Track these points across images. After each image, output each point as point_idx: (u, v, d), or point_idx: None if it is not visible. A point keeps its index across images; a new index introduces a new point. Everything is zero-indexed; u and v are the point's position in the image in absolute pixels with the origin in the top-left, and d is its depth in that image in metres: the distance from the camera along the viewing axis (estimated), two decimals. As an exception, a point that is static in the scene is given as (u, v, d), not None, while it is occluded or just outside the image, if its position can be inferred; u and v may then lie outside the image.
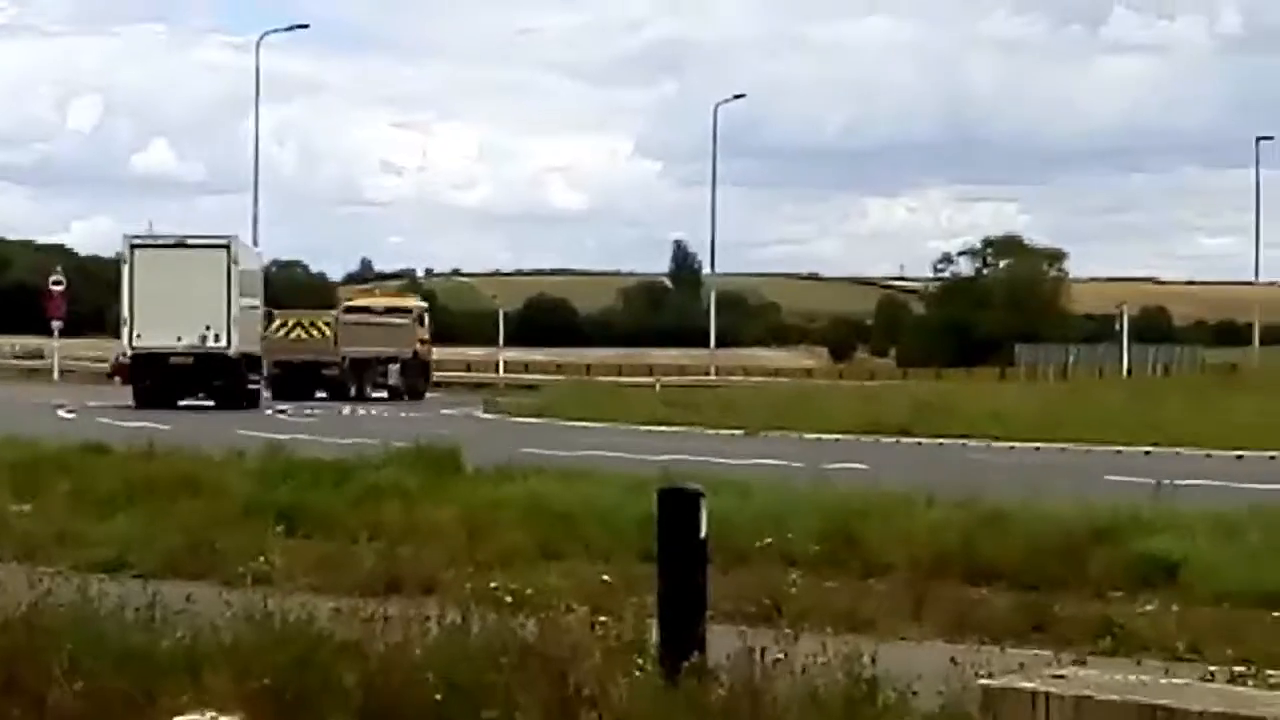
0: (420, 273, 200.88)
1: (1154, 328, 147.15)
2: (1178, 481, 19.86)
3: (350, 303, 79.07)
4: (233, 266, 49.85)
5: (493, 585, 11.01)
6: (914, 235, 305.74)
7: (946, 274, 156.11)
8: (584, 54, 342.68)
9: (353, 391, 62.06)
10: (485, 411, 53.09)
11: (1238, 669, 9.09)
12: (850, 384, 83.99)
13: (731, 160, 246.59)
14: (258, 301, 54.25)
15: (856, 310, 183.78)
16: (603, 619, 9.65)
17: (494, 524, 17.21)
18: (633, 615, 9.96)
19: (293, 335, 61.63)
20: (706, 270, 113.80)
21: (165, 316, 48.89)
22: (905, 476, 21.00)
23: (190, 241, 51.68)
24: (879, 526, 16.67)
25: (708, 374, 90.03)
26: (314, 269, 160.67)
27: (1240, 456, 31.40)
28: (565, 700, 9.00)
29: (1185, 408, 46.37)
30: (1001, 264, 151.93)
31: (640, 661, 9.38)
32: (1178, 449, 32.78)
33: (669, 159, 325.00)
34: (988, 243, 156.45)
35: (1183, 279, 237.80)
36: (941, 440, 35.87)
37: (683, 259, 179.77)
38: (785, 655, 9.12)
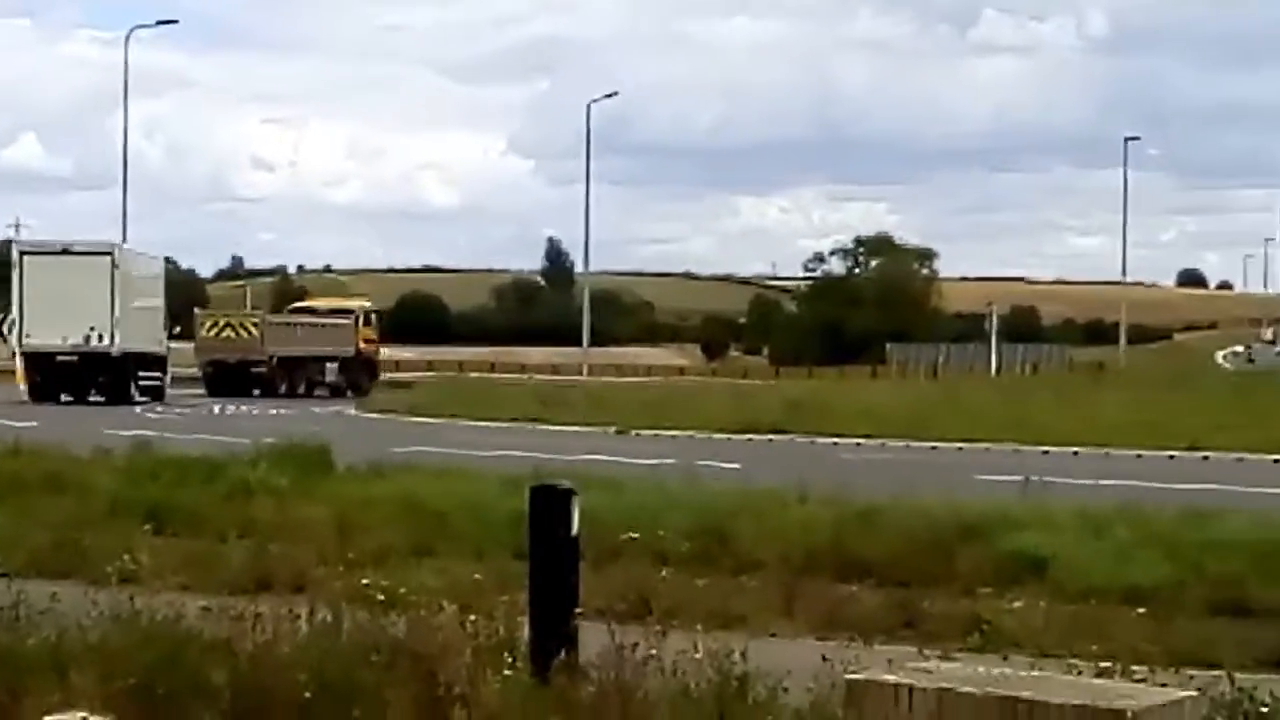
0: (292, 269, 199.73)
1: (1023, 326, 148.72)
2: (1046, 479, 20.06)
3: (296, 304, 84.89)
4: (115, 271, 52.61)
5: (364, 583, 10.96)
6: (786, 234, 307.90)
7: (818, 273, 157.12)
8: (455, 51, 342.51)
9: (283, 389, 64.42)
10: (357, 409, 52.86)
11: (1104, 664, 9.17)
12: (723, 382, 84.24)
13: (605, 158, 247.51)
14: (153, 303, 56.69)
15: (729, 309, 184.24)
16: (474, 617, 9.62)
17: (366, 522, 17.13)
18: (504, 613, 9.95)
19: (222, 335, 65.67)
20: (580, 268, 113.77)
21: (52, 318, 51.92)
22: (777, 474, 21.08)
23: (75, 249, 54.39)
24: (750, 524, 16.73)
25: (581, 372, 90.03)
26: (184, 265, 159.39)
27: (1107, 454, 31.77)
28: (436, 698, 8.97)
29: (1053, 406, 46.82)
30: (873, 263, 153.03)
31: (511, 659, 9.36)
32: (1046, 447, 33.08)
33: (541, 156, 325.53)
34: (859, 242, 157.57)
35: (1051, 278, 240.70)
36: (813, 438, 36.06)
37: (556, 257, 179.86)
38: (656, 652, 9.12)
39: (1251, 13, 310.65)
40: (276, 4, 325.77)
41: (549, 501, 10.64)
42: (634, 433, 38.66)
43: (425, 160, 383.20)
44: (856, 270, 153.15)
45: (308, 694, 9.17)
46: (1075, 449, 32.70)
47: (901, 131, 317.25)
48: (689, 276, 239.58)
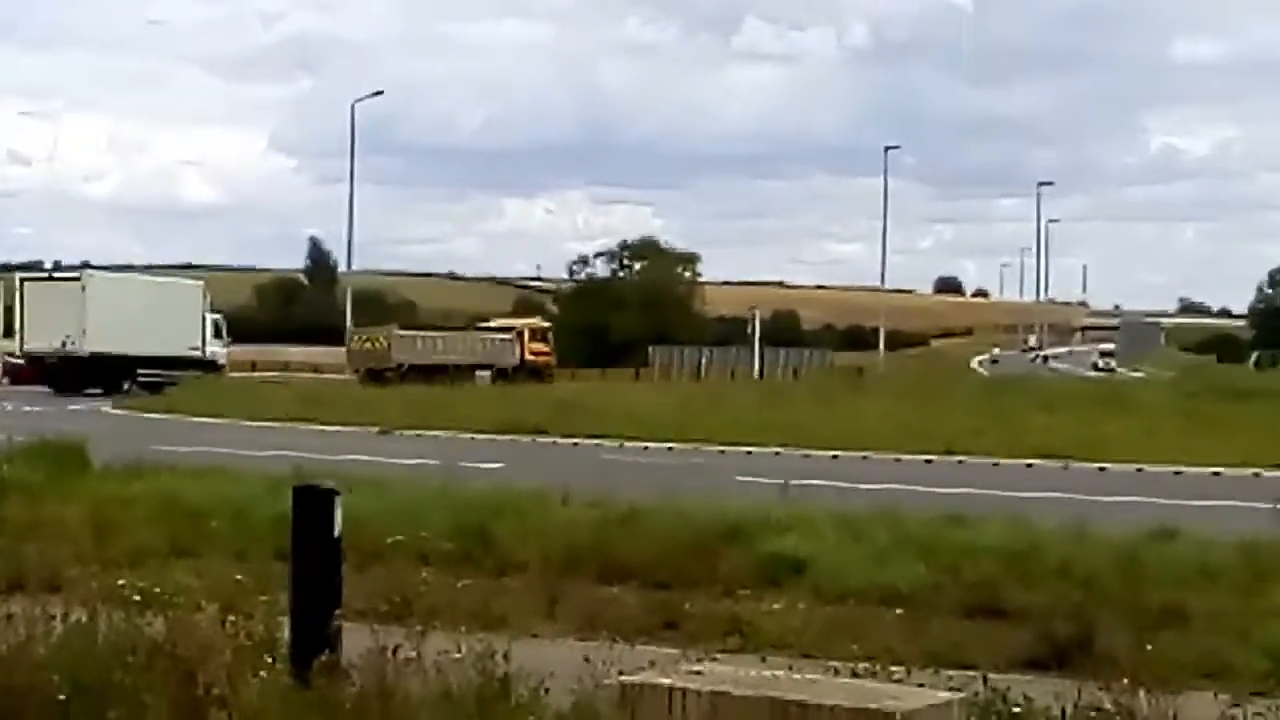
0: (49, 265, 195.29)
1: (784, 331, 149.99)
2: (806, 482, 20.30)
3: (479, 323, 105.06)
4: (84, 293, 67.35)
5: (120, 583, 10.78)
6: (551, 236, 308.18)
7: (583, 275, 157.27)
8: (218, 47, 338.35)
9: None
10: (115, 408, 52.02)
11: (862, 665, 9.29)
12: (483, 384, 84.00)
13: (369, 157, 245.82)
14: (145, 316, 68.56)
15: (494, 310, 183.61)
16: (233, 618, 9.50)
17: (123, 521, 16.87)
18: (264, 614, 9.84)
19: (366, 346, 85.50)
20: (343, 267, 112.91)
21: (40, 328, 67.24)
22: (540, 475, 21.11)
23: (57, 275, 73.28)
24: (513, 525, 16.74)
25: (344, 371, 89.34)
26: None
27: (866, 457, 32.18)
28: (194, 700, 8.85)
29: (814, 410, 47.32)
30: (637, 266, 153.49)
31: (271, 660, 9.26)
32: (806, 450, 33.43)
33: (305, 155, 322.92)
34: (624, 245, 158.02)
35: (812, 284, 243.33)
36: (577, 440, 36.13)
37: (318, 256, 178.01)
38: (417, 653, 9.08)
39: (1007, 27, 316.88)
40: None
41: (311, 502, 10.55)
42: (397, 433, 38.48)
43: (187, 156, 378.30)
44: (621, 273, 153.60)
45: (62, 695, 9.00)
46: (835, 452, 33.07)
47: (666, 136, 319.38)
48: (453, 277, 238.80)
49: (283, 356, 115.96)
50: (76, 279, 69.48)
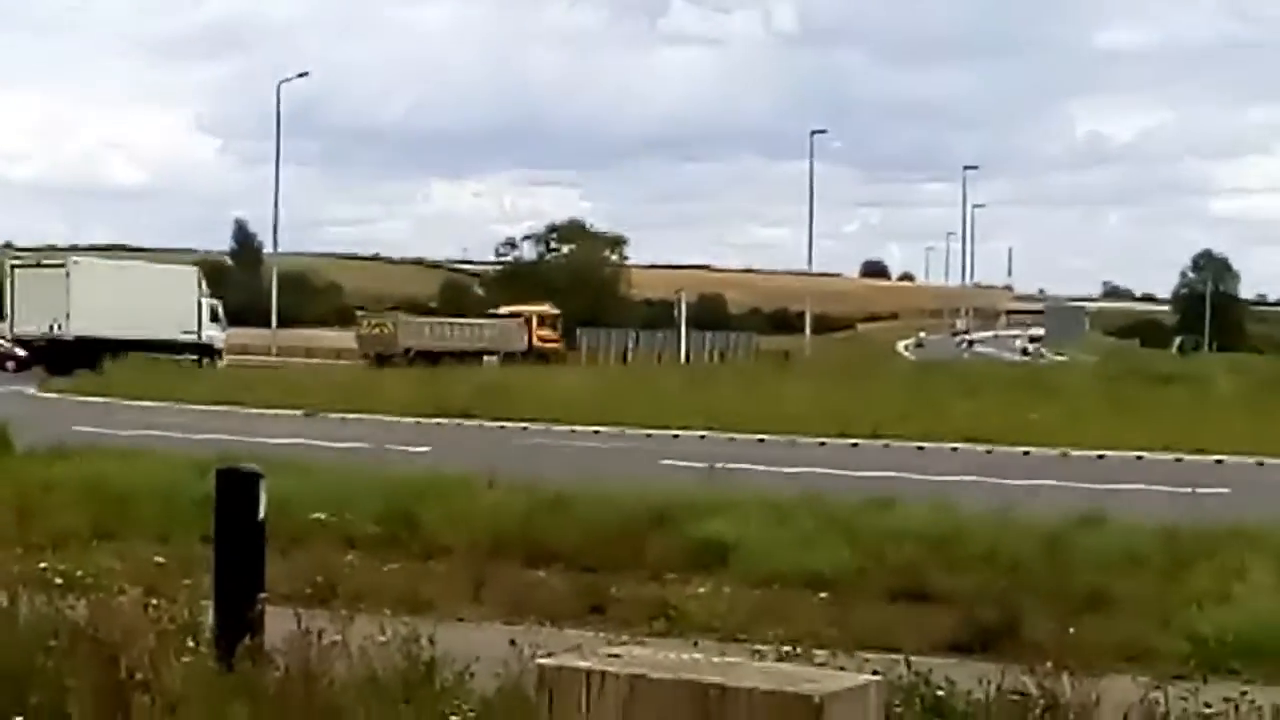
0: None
1: (711, 315, 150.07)
2: (732, 466, 20.33)
3: (490, 310, 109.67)
4: (68, 279, 69.61)
5: (42, 567, 10.73)
6: (478, 219, 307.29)
7: (510, 258, 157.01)
8: (144, 27, 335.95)
9: None
10: (40, 390, 51.67)
11: (786, 648, 9.32)
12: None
13: (296, 139, 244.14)
14: (135, 300, 70.08)
15: (421, 293, 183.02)
16: (157, 601, 9.46)
17: (46, 504, 16.76)
18: (188, 597, 9.80)
19: (374, 331, 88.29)
20: (269, 249, 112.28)
21: (31, 313, 69.20)
22: (467, 459, 21.09)
23: (45, 262, 75.39)
24: (439, 508, 16.72)
25: (269, 354, 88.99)
26: None
27: (792, 442, 32.21)
28: (117, 684, 8.81)
29: (740, 394, 47.39)
30: (564, 249, 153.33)
31: (195, 644, 9.23)
32: (733, 434, 33.47)
33: (231, 136, 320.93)
34: (551, 228, 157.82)
35: (739, 267, 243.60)
36: (503, 423, 36.08)
37: (244, 237, 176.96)
38: (342, 637, 9.07)
39: (932, 10, 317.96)
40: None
41: (235, 484, 10.52)
42: (323, 416, 38.35)
43: (111, 137, 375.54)
44: (548, 256, 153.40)
45: (-17, 680, 8.94)
46: (761, 436, 33.12)
47: (594, 119, 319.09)
48: (379, 259, 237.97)
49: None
50: (61, 265, 72.34)
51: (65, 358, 66.38)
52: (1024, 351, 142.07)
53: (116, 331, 67.86)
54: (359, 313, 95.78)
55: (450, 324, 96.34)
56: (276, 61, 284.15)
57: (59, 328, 68.67)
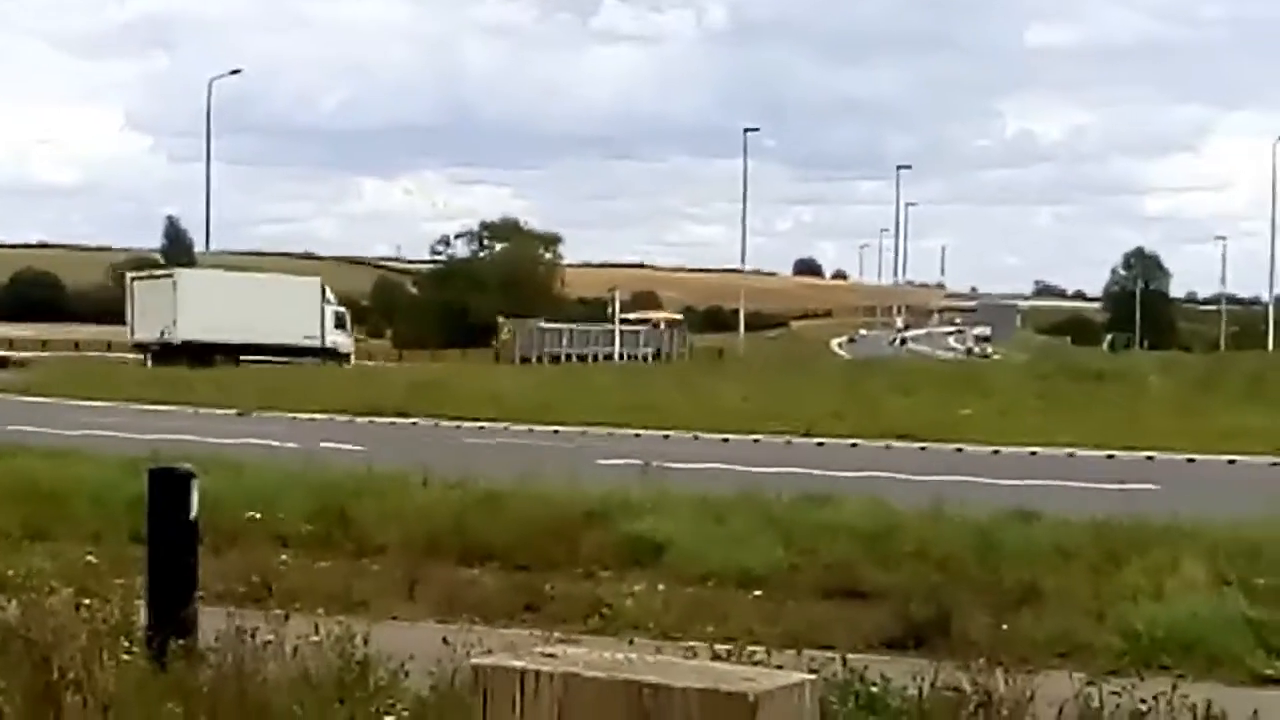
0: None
1: (645, 313, 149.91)
2: (666, 464, 20.33)
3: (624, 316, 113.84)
4: (175, 288, 76.53)
5: (-28, 567, 10.65)
6: (411, 217, 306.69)
7: (444, 256, 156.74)
8: (71, 23, 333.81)
9: None
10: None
11: (720, 646, 9.34)
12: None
13: (227, 136, 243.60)
14: (242, 309, 75.27)
15: (353, 291, 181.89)
16: (89, 601, 9.41)
17: (-26, 504, 16.64)
18: (121, 597, 9.75)
19: (504, 337, 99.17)
20: (200, 247, 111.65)
21: (147, 319, 75.93)
22: (401, 457, 21.03)
23: (156, 274, 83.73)
24: (373, 507, 16.68)
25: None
26: None
27: (726, 439, 32.26)
28: (49, 684, 8.75)
29: (674, 392, 47.41)
30: (498, 247, 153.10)
31: (128, 644, 9.18)
32: (667, 431, 33.49)
33: (161, 133, 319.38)
34: (484, 226, 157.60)
35: (672, 265, 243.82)
36: (437, 421, 36.03)
37: (175, 235, 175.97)
38: (276, 636, 9.04)
39: (865, 10, 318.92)
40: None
41: (168, 484, 10.47)
42: (256, 414, 38.20)
43: (40, 135, 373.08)
44: (482, 254, 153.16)
45: (-87, 682, 8.87)
46: (695, 434, 33.16)
47: (526, 117, 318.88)
48: (311, 257, 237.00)
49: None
50: (170, 276, 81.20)
51: (175, 361, 69.76)
52: (969, 352, 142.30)
53: (227, 336, 73.88)
54: (500, 319, 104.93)
55: (586, 330, 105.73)
56: (208, 58, 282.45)
57: (168, 333, 74.82)
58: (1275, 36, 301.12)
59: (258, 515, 14.68)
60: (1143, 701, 8.72)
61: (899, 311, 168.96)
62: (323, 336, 79.82)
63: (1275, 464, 26.58)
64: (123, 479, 16.93)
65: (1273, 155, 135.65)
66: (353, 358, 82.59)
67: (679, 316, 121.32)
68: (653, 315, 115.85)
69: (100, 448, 22.16)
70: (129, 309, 79.47)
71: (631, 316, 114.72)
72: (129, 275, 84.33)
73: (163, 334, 74.92)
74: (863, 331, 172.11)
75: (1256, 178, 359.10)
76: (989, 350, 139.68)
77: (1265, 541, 14.93)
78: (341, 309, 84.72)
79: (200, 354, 70.58)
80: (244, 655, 8.99)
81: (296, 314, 78.89)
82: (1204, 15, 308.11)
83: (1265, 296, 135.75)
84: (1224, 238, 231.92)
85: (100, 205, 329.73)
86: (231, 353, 72.33)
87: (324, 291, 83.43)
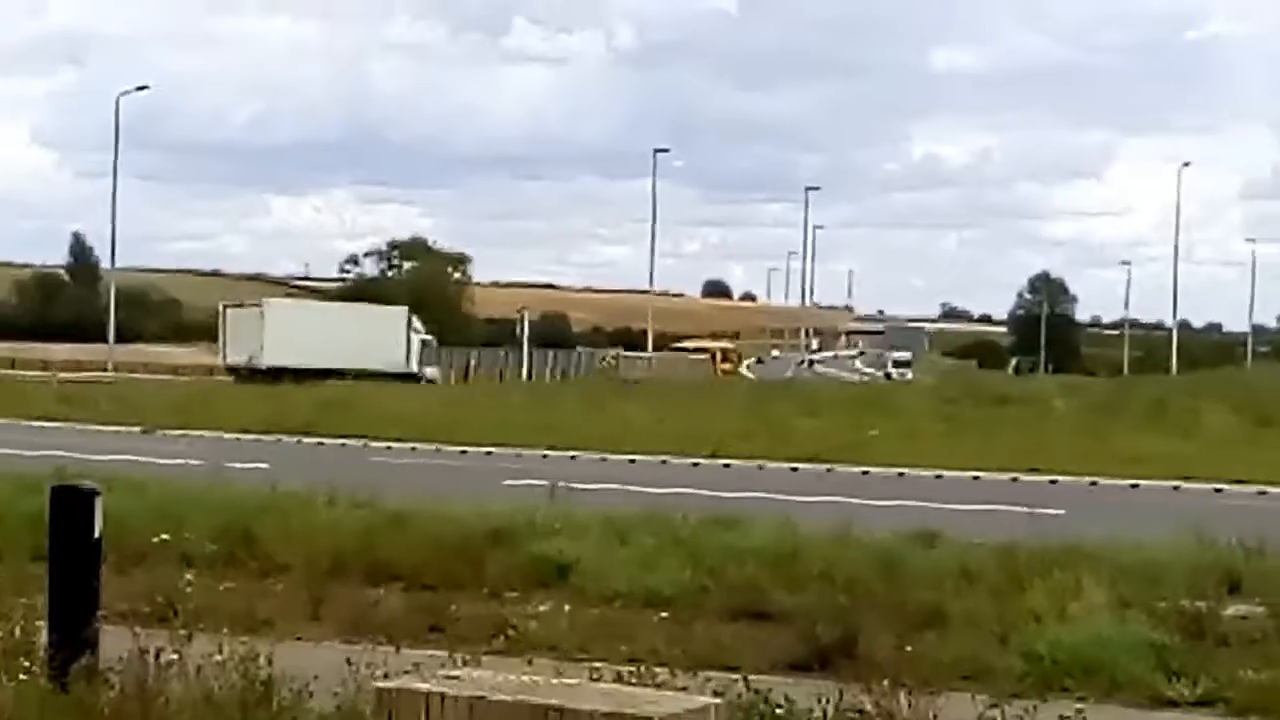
0: None
1: (554, 333, 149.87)
2: (574, 485, 20.31)
3: (675, 344, 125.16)
4: (263, 318, 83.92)
5: None
6: (319, 235, 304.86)
7: (352, 274, 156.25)
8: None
9: None
10: None
11: (626, 668, 9.34)
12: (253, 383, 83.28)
13: (134, 153, 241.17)
14: (306, 335, 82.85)
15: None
16: (-12, 621, 9.33)
17: None
18: (21, 616, 9.67)
19: (604, 366, 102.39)
20: (106, 264, 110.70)
21: (238, 345, 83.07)
22: (306, 476, 20.92)
23: (245, 304, 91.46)
24: (278, 526, 16.58)
25: (106, 369, 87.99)
26: None
27: (634, 460, 32.26)
28: (-53, 705, 8.67)
29: (583, 412, 47.39)
30: (406, 266, 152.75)
31: (28, 664, 9.10)
32: (575, 452, 33.46)
33: (67, 149, 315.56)
34: (393, 245, 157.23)
35: (581, 285, 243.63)
36: (344, 440, 35.89)
37: (81, 251, 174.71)
38: (180, 656, 8.98)
39: (773, 33, 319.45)
40: None
41: (70, 502, 10.37)
42: (161, 432, 37.95)
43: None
44: (390, 273, 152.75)
45: None
46: (603, 455, 33.13)
47: (435, 136, 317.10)
48: (219, 275, 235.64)
49: (43, 354, 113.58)
50: (258, 305, 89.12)
51: (262, 381, 74.02)
52: (887, 376, 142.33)
53: (311, 362, 78.95)
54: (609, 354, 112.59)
55: (653, 357, 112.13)
56: (116, 74, 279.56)
57: (256, 358, 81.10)
58: (1177, 62, 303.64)
59: (165, 539, 14.56)
60: (1045, 724, 8.77)
61: (810, 334, 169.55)
62: (408, 362, 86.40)
63: (1177, 488, 26.79)
64: (22, 496, 16.77)
65: (1176, 181, 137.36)
66: (438, 382, 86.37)
67: (733, 346, 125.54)
68: (710, 346, 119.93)
69: None
70: (220, 334, 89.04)
71: (688, 345, 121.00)
72: (221, 303, 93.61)
73: (250, 359, 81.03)
74: (775, 353, 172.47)
75: (1160, 203, 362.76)
76: (909, 375, 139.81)
77: (1166, 565, 15.07)
78: (429, 337, 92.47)
79: (284, 379, 73.14)
80: (147, 675, 8.93)
81: (381, 341, 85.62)
82: (1108, 41, 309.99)
83: (1168, 321, 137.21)
84: (1128, 263, 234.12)
85: (3, 221, 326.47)
86: (316, 378, 74.43)
87: (409, 320, 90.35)
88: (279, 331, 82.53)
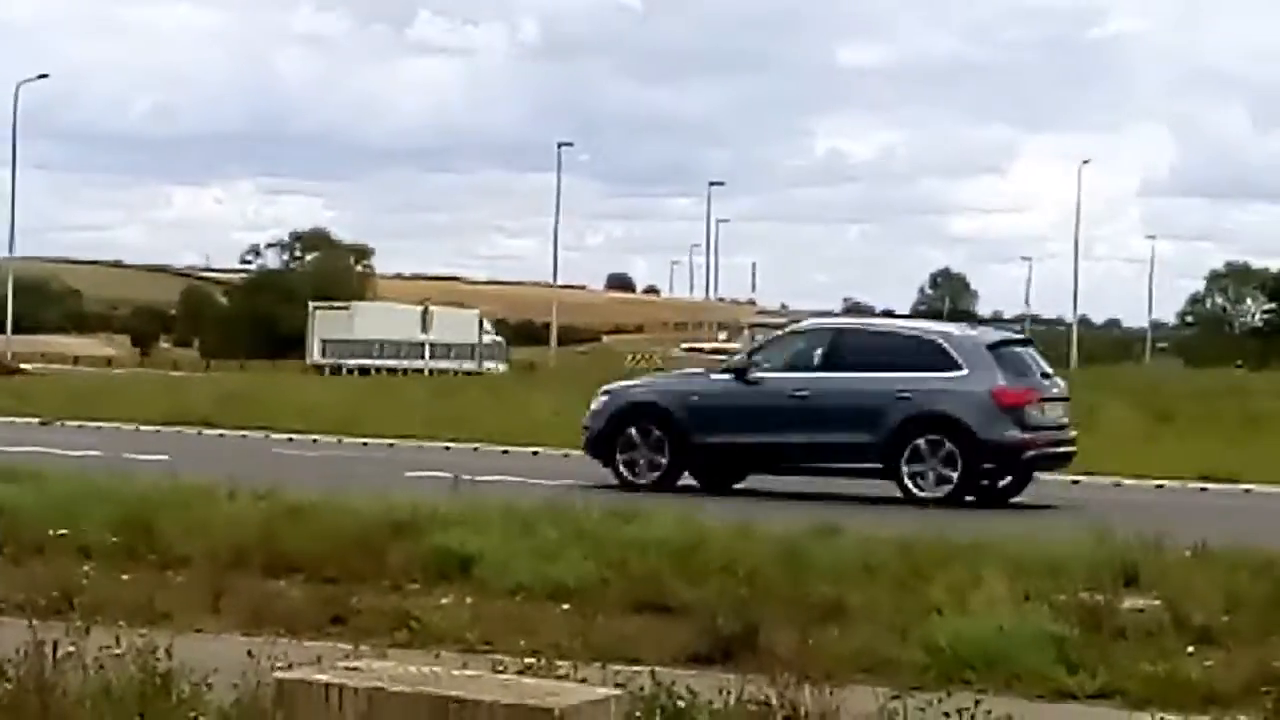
0: None
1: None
2: (476, 477, 20.28)
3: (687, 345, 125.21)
4: (350, 319, 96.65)
5: None
6: (220, 226, 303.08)
7: (254, 266, 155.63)
8: None
9: None
10: None
11: (529, 660, 9.33)
12: (153, 374, 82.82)
13: (33, 141, 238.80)
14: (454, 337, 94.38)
15: (160, 299, 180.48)
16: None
17: None
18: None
19: (637, 363, 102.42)
20: (4, 254, 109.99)
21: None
22: (207, 468, 20.81)
23: (336, 305, 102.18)
24: (178, 518, 16.46)
25: (3, 360, 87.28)
26: None
27: (536, 453, 32.27)
28: None
29: (486, 404, 47.35)
30: (309, 258, 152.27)
31: (-80, 658, 9.00)
32: (477, 445, 33.40)
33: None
34: (295, 236, 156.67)
35: (484, 278, 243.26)
36: (245, 432, 35.74)
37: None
38: (77, 649, 8.91)
39: (678, 27, 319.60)
40: None
41: (-33, 494, 10.30)
42: (59, 423, 37.64)
43: None
44: (292, 265, 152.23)
45: None
46: (506, 447, 33.10)
47: (338, 127, 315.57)
48: (119, 265, 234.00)
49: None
50: (347, 307, 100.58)
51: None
52: None
53: (393, 361, 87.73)
54: (631, 356, 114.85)
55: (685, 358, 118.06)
56: (14, 62, 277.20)
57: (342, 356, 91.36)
58: (1079, 60, 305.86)
59: (63, 531, 14.44)
60: (946, 715, 8.82)
61: (716, 328, 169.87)
62: (478, 361, 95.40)
63: (1076, 481, 27.01)
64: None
65: (1077, 178, 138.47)
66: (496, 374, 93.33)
67: (735, 346, 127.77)
68: (728, 347, 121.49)
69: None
70: (309, 334, 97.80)
71: (705, 346, 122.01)
72: (311, 305, 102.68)
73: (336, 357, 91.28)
74: (684, 345, 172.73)
75: (1060, 200, 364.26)
76: None
77: (1065, 558, 15.18)
78: (499, 338, 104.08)
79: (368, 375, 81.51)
80: (43, 668, 8.85)
81: (454, 342, 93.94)
82: (1012, 38, 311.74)
83: (1069, 317, 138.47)
84: (1029, 258, 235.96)
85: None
86: (397, 374, 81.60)
87: (481, 323, 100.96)
88: (365, 333, 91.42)
